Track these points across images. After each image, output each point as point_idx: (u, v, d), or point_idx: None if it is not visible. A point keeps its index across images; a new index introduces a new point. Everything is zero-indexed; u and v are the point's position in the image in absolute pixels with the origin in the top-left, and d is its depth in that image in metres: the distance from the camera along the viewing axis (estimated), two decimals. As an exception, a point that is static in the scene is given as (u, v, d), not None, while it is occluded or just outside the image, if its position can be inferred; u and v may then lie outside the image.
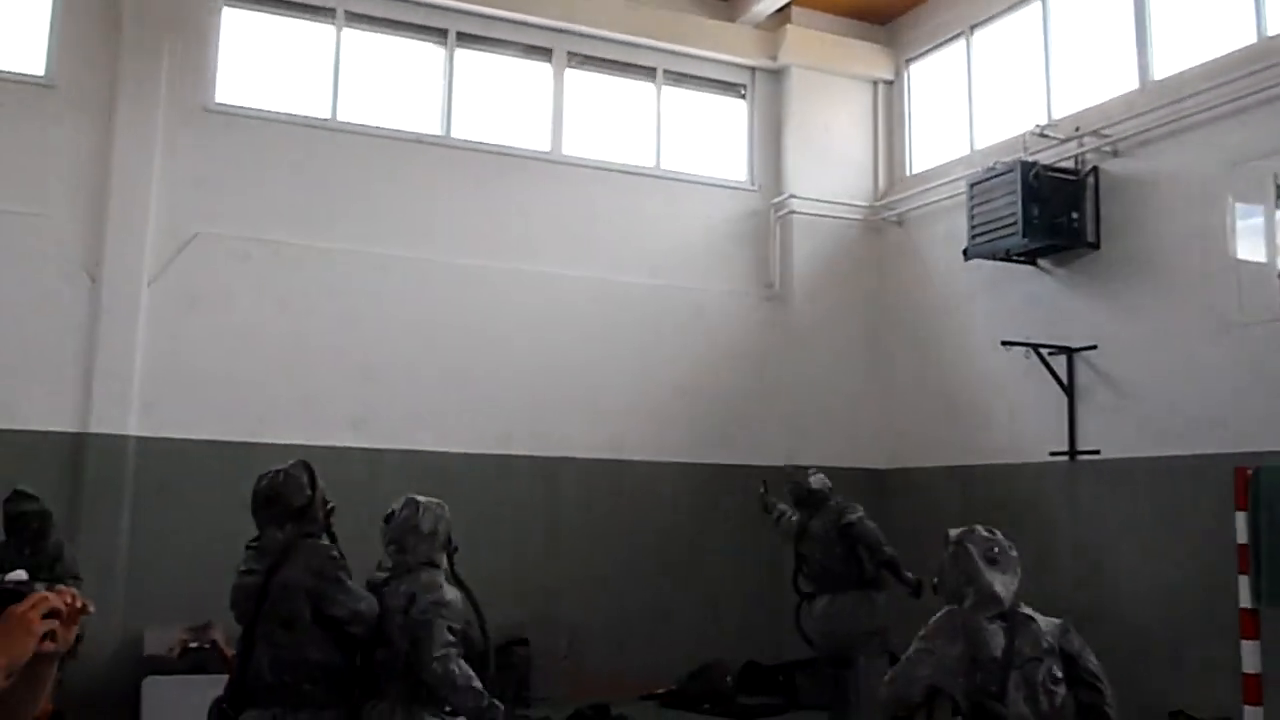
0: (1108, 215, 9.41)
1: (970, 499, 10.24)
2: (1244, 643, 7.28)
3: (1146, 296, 9.05)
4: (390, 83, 10.86)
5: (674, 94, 11.96)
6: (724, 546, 10.83)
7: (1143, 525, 8.83)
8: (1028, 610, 4.12)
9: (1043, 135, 9.68)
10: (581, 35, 11.34)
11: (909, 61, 12.22)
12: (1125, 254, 9.25)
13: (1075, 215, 9.41)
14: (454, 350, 10.40)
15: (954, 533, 4.30)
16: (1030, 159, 9.44)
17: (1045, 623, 4.10)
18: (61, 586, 2.25)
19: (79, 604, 2.22)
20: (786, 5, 11.68)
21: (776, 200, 11.93)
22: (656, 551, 10.79)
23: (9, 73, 9.45)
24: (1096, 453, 9.30)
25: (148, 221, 9.57)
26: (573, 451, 10.73)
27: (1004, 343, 9.81)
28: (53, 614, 2.16)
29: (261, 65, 10.38)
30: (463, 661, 4.29)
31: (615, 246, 11.24)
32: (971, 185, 9.89)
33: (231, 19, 10.26)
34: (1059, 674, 4.00)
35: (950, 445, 10.81)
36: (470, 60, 11.08)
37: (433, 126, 10.84)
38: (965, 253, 9.98)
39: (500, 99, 11.22)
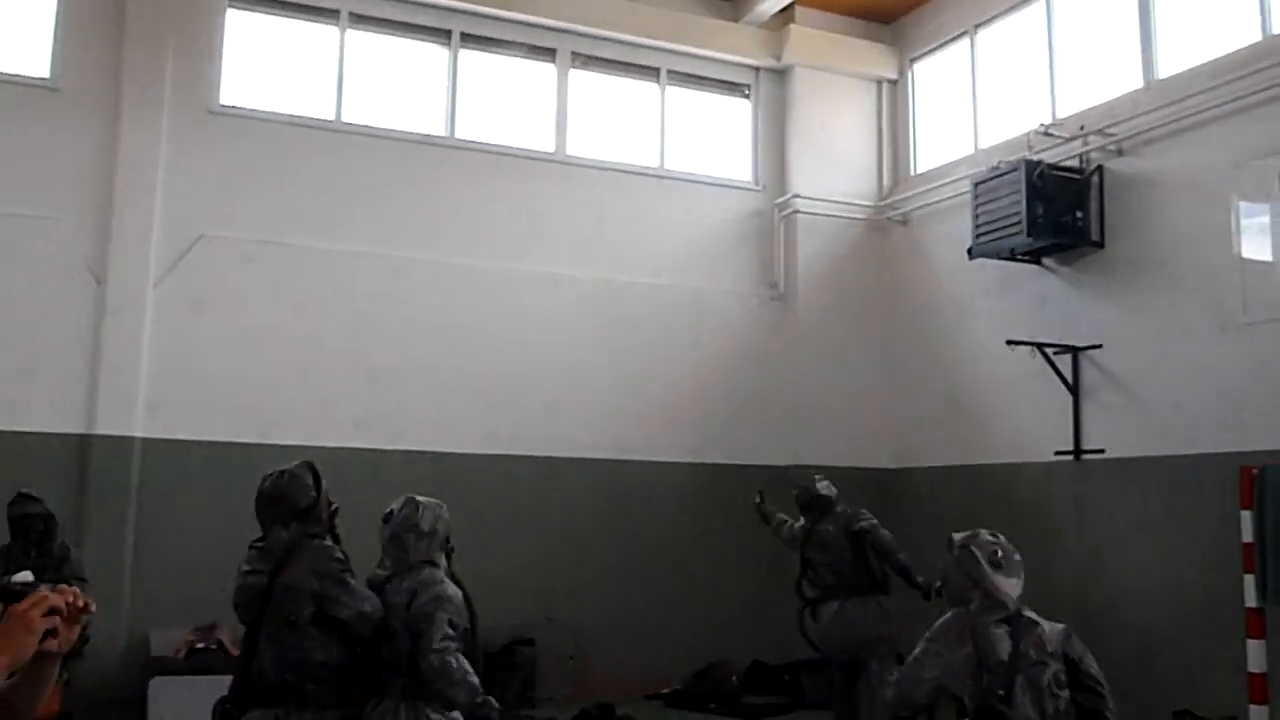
0: (1112, 214, 9.40)
1: (975, 498, 10.23)
2: (1249, 641, 7.28)
3: (1151, 295, 9.03)
4: (394, 84, 10.88)
5: (678, 94, 11.96)
6: (729, 546, 10.82)
7: (1148, 524, 8.82)
8: (1031, 614, 4.15)
9: (1047, 134, 9.66)
10: (585, 36, 11.35)
11: (913, 61, 12.21)
12: (1130, 253, 9.24)
13: (1080, 214, 9.39)
14: (456, 350, 10.41)
15: (958, 537, 4.32)
16: (1035, 158, 9.43)
17: (1049, 627, 4.13)
18: (63, 586, 2.27)
19: (80, 603, 2.23)
20: (790, 5, 11.67)
21: (780, 200, 11.93)
22: (661, 551, 10.79)
23: (14, 75, 9.49)
24: (1102, 452, 9.29)
25: (153, 223, 9.60)
26: (578, 451, 10.74)
27: (1009, 342, 9.80)
28: (53, 612, 2.18)
29: (266, 67, 10.40)
30: (461, 656, 4.30)
31: (619, 247, 11.25)
32: (976, 184, 9.88)
33: (235, 21, 10.28)
34: (1063, 678, 4.04)
35: (955, 445, 10.80)
36: (474, 61, 11.10)
37: (437, 127, 10.85)
38: (970, 252, 9.97)
39: (504, 99, 11.24)
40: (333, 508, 4.56)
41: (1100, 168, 9.49)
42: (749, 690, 10.24)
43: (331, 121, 10.44)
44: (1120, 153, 9.40)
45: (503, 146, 11.00)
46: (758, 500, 8.63)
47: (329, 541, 4.49)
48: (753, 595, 10.78)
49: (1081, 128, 9.56)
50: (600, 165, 11.36)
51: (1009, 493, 9.99)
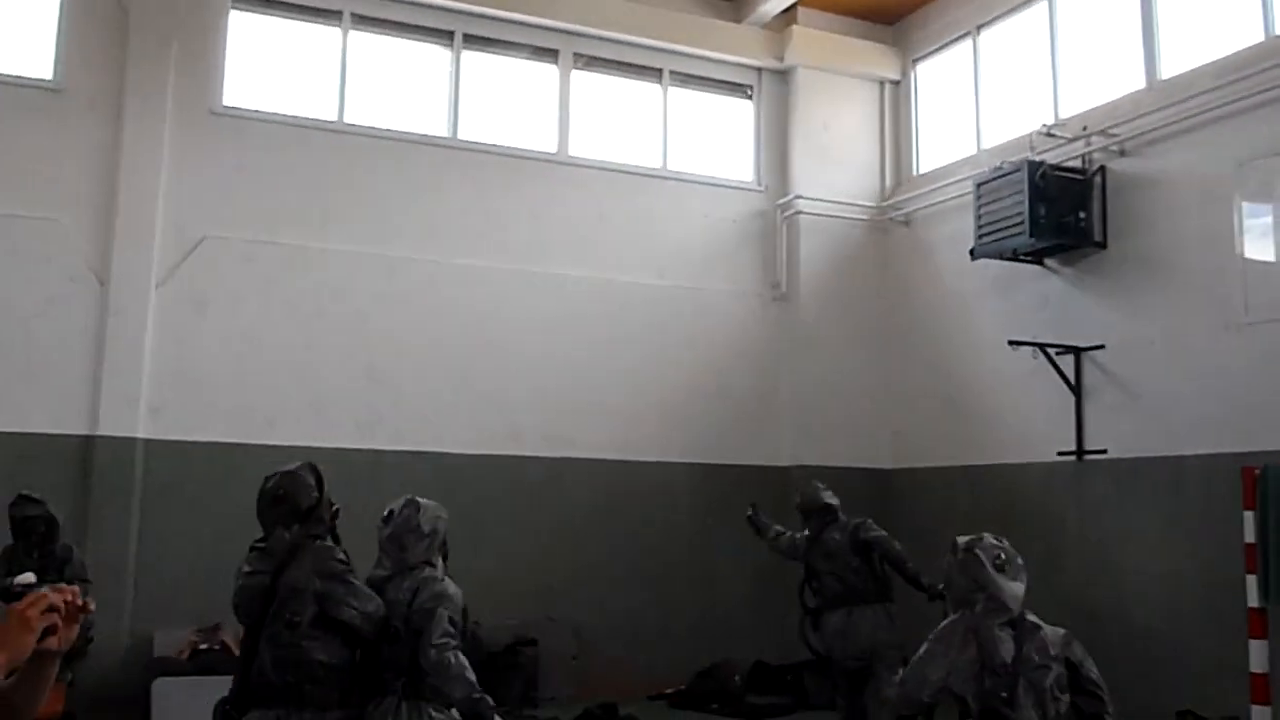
0: (1115, 215, 9.39)
1: (977, 499, 10.23)
2: (1252, 642, 7.29)
3: (1154, 296, 9.03)
4: (397, 85, 10.89)
5: (680, 95, 11.96)
6: (732, 546, 10.78)
7: (1150, 524, 8.81)
8: (1034, 618, 4.20)
9: (1050, 135, 9.65)
10: (588, 36, 11.35)
11: (916, 61, 12.21)
12: (1133, 253, 9.23)
13: (1082, 215, 9.39)
14: (460, 351, 10.42)
15: (962, 540, 4.35)
16: (1037, 158, 9.43)
17: (1050, 631, 4.18)
18: (63, 585, 2.27)
19: (79, 602, 2.23)
20: (792, 6, 11.67)
21: (783, 201, 11.93)
22: (664, 551, 10.80)
23: (17, 77, 9.50)
24: (1104, 452, 9.29)
25: (156, 224, 9.62)
26: (580, 452, 10.74)
27: (1011, 342, 9.81)
28: (52, 610, 2.18)
29: (268, 68, 10.41)
30: (460, 653, 4.31)
31: (621, 247, 11.25)
32: (978, 185, 9.87)
33: (238, 22, 10.29)
34: (1065, 682, 4.08)
35: (957, 445, 10.79)
36: (476, 62, 11.10)
37: (439, 128, 10.86)
38: (972, 252, 9.97)
39: (507, 100, 11.24)
40: (334, 509, 4.56)
41: (1103, 168, 9.49)
42: (752, 690, 10.22)
43: (334, 123, 10.45)
44: (1123, 153, 9.40)
45: (505, 147, 11.01)
46: (750, 513, 8.45)
47: (330, 542, 4.50)
48: (755, 595, 10.79)
49: (1084, 128, 9.56)
50: (603, 166, 11.36)
51: (1011, 493, 9.99)
